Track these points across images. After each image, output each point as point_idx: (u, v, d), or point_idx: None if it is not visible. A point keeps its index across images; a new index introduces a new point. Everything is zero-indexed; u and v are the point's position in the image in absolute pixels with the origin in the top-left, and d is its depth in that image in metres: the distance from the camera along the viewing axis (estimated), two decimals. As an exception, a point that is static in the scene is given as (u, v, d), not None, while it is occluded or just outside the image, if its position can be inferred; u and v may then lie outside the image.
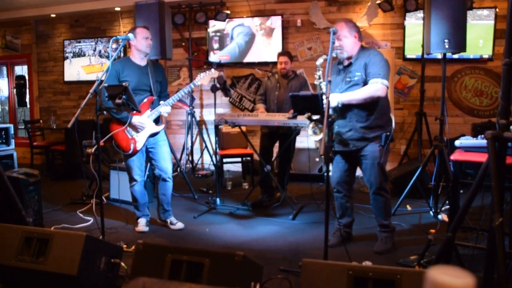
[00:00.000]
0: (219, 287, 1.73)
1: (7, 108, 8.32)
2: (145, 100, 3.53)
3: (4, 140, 5.41)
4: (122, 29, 6.98)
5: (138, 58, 3.56)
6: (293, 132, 4.27)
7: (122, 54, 6.76)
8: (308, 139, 5.13)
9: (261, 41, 6.18)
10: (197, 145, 6.64)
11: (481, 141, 2.79)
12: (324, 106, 2.99)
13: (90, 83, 6.34)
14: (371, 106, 2.98)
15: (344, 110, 3.04)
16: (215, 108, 5.02)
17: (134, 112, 3.46)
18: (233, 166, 5.98)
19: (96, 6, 6.76)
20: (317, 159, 5.46)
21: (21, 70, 8.03)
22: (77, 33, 7.32)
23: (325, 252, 2.56)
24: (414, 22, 5.53)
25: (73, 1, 6.69)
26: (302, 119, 3.70)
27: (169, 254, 1.98)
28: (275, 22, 6.10)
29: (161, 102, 3.57)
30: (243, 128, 4.76)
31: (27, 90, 7.66)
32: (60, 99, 7.58)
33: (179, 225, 3.75)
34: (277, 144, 4.58)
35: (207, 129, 6.67)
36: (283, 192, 4.42)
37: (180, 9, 6.29)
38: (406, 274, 1.67)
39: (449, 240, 2.07)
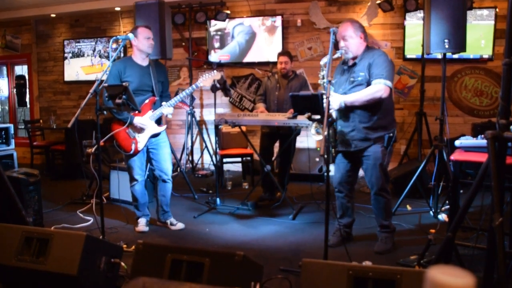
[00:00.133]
0: (219, 287, 1.73)
1: (7, 108, 8.32)
2: (147, 100, 3.53)
3: (4, 140, 5.41)
4: (122, 29, 6.98)
5: (140, 58, 3.55)
6: (293, 132, 4.27)
7: (122, 54, 6.76)
8: (308, 139, 5.15)
9: (262, 38, 6.18)
10: (197, 145, 6.64)
11: (481, 141, 2.79)
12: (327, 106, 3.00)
13: (90, 83, 6.34)
14: (374, 106, 2.97)
15: (347, 110, 3.04)
16: (215, 108, 5.02)
17: (136, 112, 3.46)
18: (233, 166, 5.98)
19: (96, 6, 6.76)
20: (317, 159, 5.46)
21: (21, 70, 8.03)
22: (77, 33, 7.32)
23: (325, 252, 2.56)
24: (414, 22, 5.53)
25: (73, 1, 6.69)
26: (302, 119, 3.70)
27: (169, 254, 1.98)
28: (275, 22, 6.09)
29: (163, 103, 3.56)
30: (243, 128, 4.76)
31: (27, 90, 7.66)
32: (60, 99, 7.58)
33: (179, 225, 3.75)
34: (277, 144, 4.58)
35: (207, 129, 6.67)
36: (283, 192, 4.42)
37: (180, 9, 6.29)
38: (406, 274, 1.67)
39: (449, 240, 2.07)
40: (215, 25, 6.34)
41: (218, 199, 4.34)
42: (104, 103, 3.24)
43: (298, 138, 4.62)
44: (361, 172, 3.32)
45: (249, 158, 5.51)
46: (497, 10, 5.22)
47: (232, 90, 6.41)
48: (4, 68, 8.17)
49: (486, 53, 5.33)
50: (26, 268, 2.10)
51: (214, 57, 6.36)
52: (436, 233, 3.35)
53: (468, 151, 2.90)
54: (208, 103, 6.63)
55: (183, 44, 6.60)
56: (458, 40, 3.68)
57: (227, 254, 1.93)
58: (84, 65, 7.23)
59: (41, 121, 7.20)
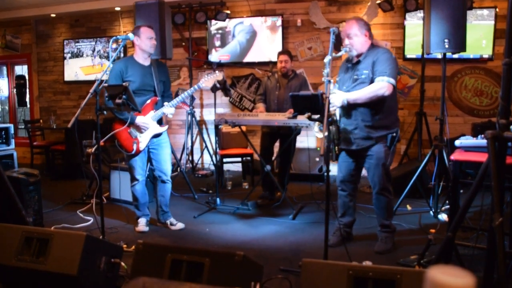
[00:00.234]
0: (219, 287, 1.73)
1: (7, 108, 8.32)
2: (149, 101, 3.52)
3: (4, 140, 5.41)
4: (122, 29, 6.98)
5: (142, 57, 3.54)
6: (294, 132, 4.27)
7: (122, 55, 6.76)
8: (308, 139, 5.15)
9: (263, 37, 6.17)
10: (197, 145, 6.64)
11: (481, 141, 2.79)
12: (331, 105, 2.99)
13: (90, 83, 6.34)
14: (377, 105, 2.96)
15: (349, 108, 3.02)
16: (215, 108, 5.02)
17: (138, 112, 3.46)
18: (233, 166, 5.98)
19: (96, 6, 6.76)
20: (317, 159, 5.46)
21: (21, 70, 8.04)
22: (77, 33, 7.32)
23: (325, 252, 2.56)
24: (414, 22, 5.53)
25: (73, 1, 6.69)
26: (302, 119, 3.70)
27: (169, 254, 1.98)
28: (275, 22, 6.09)
29: (165, 103, 3.56)
30: (243, 128, 4.76)
31: (27, 90, 7.66)
32: (60, 99, 7.58)
33: (179, 225, 3.75)
34: (277, 144, 4.58)
35: (207, 129, 6.67)
36: (283, 192, 4.42)
37: (180, 9, 6.29)
38: (406, 274, 1.67)
39: (449, 240, 2.07)
40: (215, 24, 6.34)
41: (218, 199, 4.34)
42: (105, 103, 3.23)
43: (298, 138, 4.62)
44: (362, 172, 3.31)
45: (249, 158, 5.51)
46: (497, 10, 5.22)
47: (232, 90, 6.41)
48: (4, 68, 8.17)
49: (486, 53, 5.33)
50: (26, 268, 2.10)
51: (214, 56, 6.36)
52: (436, 233, 3.35)
53: (468, 151, 2.90)
54: (208, 103, 6.64)
55: (183, 44, 6.60)
56: (458, 40, 3.68)
57: (227, 254, 1.93)
58: (83, 65, 7.23)
59: (41, 121, 7.20)
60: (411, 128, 5.41)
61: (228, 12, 6.15)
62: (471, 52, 5.03)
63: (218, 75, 3.75)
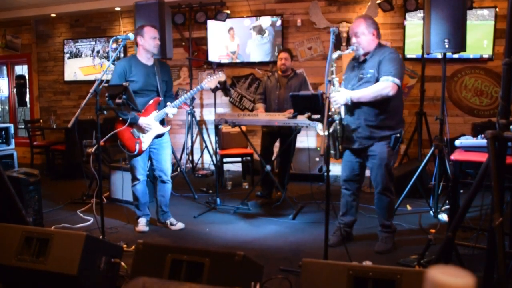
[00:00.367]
0: (219, 287, 1.73)
1: (7, 107, 8.32)
2: (152, 101, 3.51)
3: (4, 140, 5.41)
4: (122, 29, 6.98)
5: (145, 57, 3.53)
6: (294, 131, 4.27)
7: (122, 55, 6.76)
8: (308, 139, 5.15)
9: (262, 38, 6.17)
10: (197, 145, 6.64)
11: (481, 141, 2.79)
12: (335, 105, 2.99)
13: (90, 83, 6.34)
14: (381, 105, 2.95)
15: (353, 107, 3.02)
16: (215, 108, 5.01)
17: (141, 112, 3.46)
18: (233, 166, 5.98)
19: (96, 6, 6.75)
20: (317, 159, 5.46)
21: (21, 69, 8.04)
22: (77, 33, 7.32)
23: (325, 252, 2.56)
24: (415, 22, 5.52)
25: (73, 1, 6.69)
26: (302, 119, 3.70)
27: (169, 254, 1.98)
28: (276, 21, 6.10)
29: (168, 103, 3.55)
30: (243, 128, 4.76)
31: (27, 90, 7.66)
32: (60, 98, 7.58)
33: (179, 225, 3.75)
34: (277, 144, 4.58)
35: (207, 129, 6.67)
36: (283, 192, 4.42)
37: (180, 9, 6.29)
38: (406, 274, 1.67)
39: (449, 240, 2.07)
40: (215, 24, 6.33)
41: (218, 199, 4.34)
42: (108, 103, 3.22)
43: (298, 138, 4.61)
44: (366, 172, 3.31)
45: (249, 158, 5.51)
46: (497, 10, 5.22)
47: (232, 90, 6.41)
48: (4, 68, 8.17)
49: (486, 53, 5.33)
50: (26, 268, 2.10)
51: (214, 56, 6.36)
52: (436, 233, 3.35)
53: (468, 151, 2.90)
54: (208, 103, 6.63)
55: (183, 44, 6.60)
56: (458, 40, 3.68)
57: (227, 254, 1.93)
58: (82, 65, 7.23)
59: (41, 121, 7.20)
60: (411, 128, 5.41)
61: (228, 12, 6.15)
62: (471, 52, 5.03)
63: (221, 76, 3.73)
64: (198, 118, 6.56)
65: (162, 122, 3.61)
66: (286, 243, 3.39)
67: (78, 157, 5.87)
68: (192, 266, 1.94)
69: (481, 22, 5.26)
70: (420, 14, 5.37)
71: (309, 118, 2.85)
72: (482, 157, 2.21)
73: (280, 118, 3.95)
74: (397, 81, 2.89)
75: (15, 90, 7.73)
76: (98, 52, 7.09)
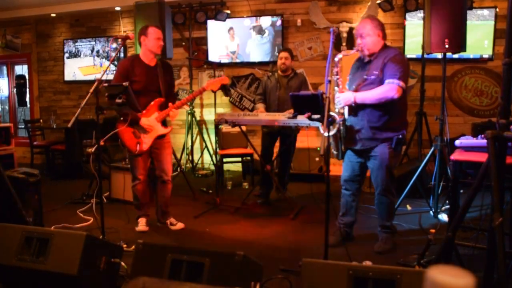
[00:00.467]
0: (219, 287, 1.73)
1: (7, 107, 8.32)
2: (154, 101, 3.50)
3: (4, 140, 5.41)
4: (122, 28, 6.98)
5: (148, 58, 3.52)
6: (294, 131, 4.27)
7: (122, 54, 6.76)
8: (309, 139, 5.14)
9: (262, 38, 6.18)
10: (197, 145, 6.64)
11: (481, 141, 2.79)
12: (340, 105, 2.99)
13: (91, 82, 6.34)
14: (385, 106, 2.93)
15: (356, 108, 3.01)
16: (215, 107, 5.01)
17: (143, 113, 3.45)
18: (233, 166, 5.98)
19: (96, 6, 6.75)
20: (317, 159, 5.46)
21: (21, 69, 8.04)
22: (77, 33, 7.32)
23: (325, 252, 2.56)
24: (415, 23, 5.52)
25: (73, 1, 6.69)
26: (302, 119, 3.70)
27: (169, 254, 1.98)
28: (276, 21, 6.10)
29: (170, 104, 3.54)
30: (243, 128, 4.76)
31: (27, 90, 7.67)
32: (60, 98, 7.58)
33: (179, 225, 3.74)
34: (277, 144, 4.58)
35: (207, 129, 6.67)
36: (283, 192, 4.42)
37: (180, 9, 6.29)
38: (406, 274, 1.68)
39: (449, 240, 2.07)
40: (215, 24, 6.34)
41: (218, 199, 4.33)
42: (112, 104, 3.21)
43: (298, 138, 4.61)
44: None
45: (249, 158, 5.51)
46: (497, 10, 5.22)
47: (232, 90, 6.41)
48: (4, 68, 8.17)
49: (486, 53, 5.33)
50: (26, 268, 2.10)
51: (214, 56, 6.36)
52: (436, 233, 3.34)
53: (468, 151, 2.90)
54: (208, 103, 6.63)
55: (183, 44, 6.60)
56: (458, 40, 3.68)
57: (227, 254, 1.93)
58: (81, 65, 7.23)
59: (41, 120, 7.20)
60: (411, 128, 5.40)
61: (228, 12, 6.15)
62: (471, 52, 5.03)
63: (224, 79, 3.71)
64: (198, 118, 6.56)
65: (164, 123, 3.60)
66: (286, 243, 3.39)
67: (78, 157, 5.88)
68: (192, 266, 1.94)
69: (481, 22, 5.26)
70: (420, 14, 5.37)
71: (309, 118, 2.85)
72: (482, 157, 2.21)
73: (280, 118, 3.95)
74: (402, 84, 2.88)
75: (15, 90, 7.73)
76: (97, 52, 7.09)
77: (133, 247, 2.35)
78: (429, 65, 5.36)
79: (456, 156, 2.85)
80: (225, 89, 4.27)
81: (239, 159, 5.61)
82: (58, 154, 6.56)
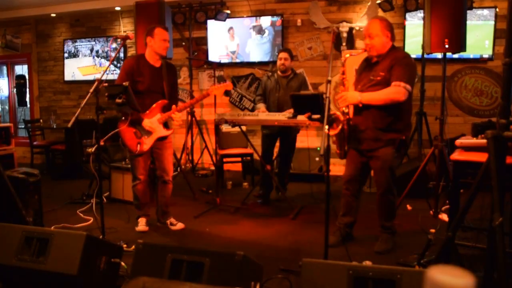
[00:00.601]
0: (219, 287, 1.73)
1: (7, 107, 8.32)
2: (157, 103, 3.49)
3: (4, 140, 5.41)
4: (122, 28, 6.98)
5: (153, 58, 3.51)
6: (294, 131, 4.26)
7: (122, 55, 6.77)
8: (309, 139, 5.14)
9: (262, 39, 6.18)
10: (197, 145, 6.64)
11: (481, 141, 2.79)
12: (345, 104, 2.99)
13: (91, 82, 6.34)
14: (390, 108, 2.93)
15: (362, 108, 3.01)
16: (215, 107, 5.01)
17: (146, 113, 3.45)
18: (233, 166, 5.98)
19: (96, 6, 6.76)
20: (317, 159, 5.46)
21: (21, 69, 8.04)
22: (77, 33, 7.32)
23: (325, 252, 2.56)
24: (415, 23, 5.52)
25: (73, 1, 6.69)
26: (302, 119, 3.69)
27: (169, 254, 1.98)
28: (276, 21, 6.10)
29: (173, 106, 3.53)
30: (243, 128, 4.76)
31: (27, 90, 7.67)
32: (60, 98, 7.58)
33: (179, 225, 3.74)
34: (277, 144, 4.57)
35: (207, 129, 6.67)
36: (283, 192, 4.41)
37: (180, 9, 6.29)
38: (406, 274, 1.67)
39: (449, 240, 2.07)
40: (215, 24, 6.34)
41: (218, 199, 4.33)
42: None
43: (298, 138, 4.61)
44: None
45: (249, 157, 5.51)
46: (497, 10, 5.22)
47: (232, 90, 6.40)
48: (4, 68, 8.17)
49: (486, 52, 5.33)
50: (26, 268, 2.10)
51: (214, 56, 6.36)
52: (436, 233, 3.35)
53: (468, 151, 2.90)
54: (208, 103, 6.62)
55: (183, 44, 6.60)
56: (458, 40, 3.68)
57: (227, 254, 1.93)
58: (80, 65, 7.23)
59: (41, 120, 7.21)
60: (411, 128, 5.41)
61: (228, 12, 6.15)
62: (471, 52, 5.03)
63: (228, 84, 3.69)
64: (198, 118, 6.56)
65: (165, 125, 3.60)
66: (286, 243, 3.39)
67: (78, 157, 5.88)
68: (192, 266, 1.94)
69: (481, 22, 5.26)
70: (420, 14, 5.37)
71: (309, 118, 2.85)
72: (482, 157, 2.21)
73: (280, 118, 3.95)
74: (409, 87, 2.88)
75: (15, 90, 7.73)
76: (97, 52, 7.09)
77: (133, 247, 2.36)
78: (429, 65, 5.36)
79: (456, 156, 2.85)
80: (226, 91, 4.27)
81: (239, 159, 5.60)
82: (58, 154, 6.56)
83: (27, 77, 7.67)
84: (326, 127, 3.14)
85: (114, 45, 6.67)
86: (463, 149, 2.94)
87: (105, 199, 4.20)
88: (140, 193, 3.66)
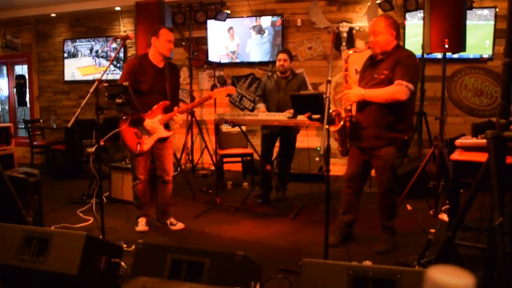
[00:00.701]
0: (219, 287, 1.73)
1: (7, 107, 8.32)
2: (158, 104, 3.49)
3: (4, 140, 5.41)
4: (122, 28, 6.98)
5: (157, 59, 3.50)
6: (294, 132, 4.26)
7: (122, 55, 6.77)
8: (309, 139, 5.14)
9: (262, 38, 6.18)
10: (197, 145, 6.64)
11: (481, 141, 2.79)
12: (349, 101, 2.99)
13: (91, 82, 6.34)
14: (392, 107, 2.93)
15: (364, 105, 3.01)
16: (215, 107, 5.01)
17: (148, 113, 3.45)
18: (233, 166, 5.98)
19: (96, 6, 6.75)
20: (317, 159, 5.46)
21: (21, 69, 8.04)
22: (77, 33, 7.32)
23: (325, 252, 2.56)
24: (415, 23, 5.52)
25: (73, 1, 6.69)
26: (302, 119, 3.69)
27: (169, 254, 1.98)
28: (276, 21, 6.10)
29: (175, 108, 3.52)
30: (243, 128, 4.76)
31: (27, 90, 7.67)
32: (60, 98, 7.58)
33: (179, 225, 3.74)
34: (277, 144, 4.57)
35: (207, 129, 6.67)
36: (283, 192, 4.41)
37: (180, 9, 6.29)
38: (406, 274, 1.68)
39: (449, 240, 2.07)
40: (215, 24, 6.34)
41: (218, 199, 4.33)
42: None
43: (298, 138, 4.61)
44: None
45: (249, 157, 5.51)
46: (497, 10, 5.22)
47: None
48: (4, 68, 8.17)
49: (486, 52, 5.33)
50: (26, 268, 2.10)
51: (214, 56, 6.36)
52: (436, 233, 3.35)
53: (468, 151, 2.90)
54: (208, 102, 6.58)
55: (183, 43, 6.60)
56: (458, 40, 3.68)
57: (227, 254, 1.93)
58: (80, 65, 7.23)
59: (41, 120, 7.21)
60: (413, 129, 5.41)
61: (228, 12, 6.15)
62: (471, 52, 5.03)
63: (230, 88, 3.69)
64: (198, 118, 6.56)
65: (166, 126, 3.60)
66: (286, 243, 3.39)
67: (78, 157, 5.88)
68: (192, 266, 1.94)
69: (481, 22, 5.26)
70: (420, 14, 5.37)
71: (309, 118, 2.85)
72: (482, 157, 2.21)
73: (280, 118, 3.95)
74: (411, 87, 2.88)
75: (15, 90, 7.73)
76: (97, 52, 7.09)
77: (133, 247, 2.36)
78: (429, 65, 5.36)
79: (456, 156, 2.85)
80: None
81: (239, 159, 5.60)
82: (58, 154, 6.56)
83: (27, 77, 7.67)
84: (326, 126, 3.15)
85: (114, 45, 6.67)
86: (463, 149, 2.94)
87: (105, 199, 4.20)
88: (140, 193, 3.66)
